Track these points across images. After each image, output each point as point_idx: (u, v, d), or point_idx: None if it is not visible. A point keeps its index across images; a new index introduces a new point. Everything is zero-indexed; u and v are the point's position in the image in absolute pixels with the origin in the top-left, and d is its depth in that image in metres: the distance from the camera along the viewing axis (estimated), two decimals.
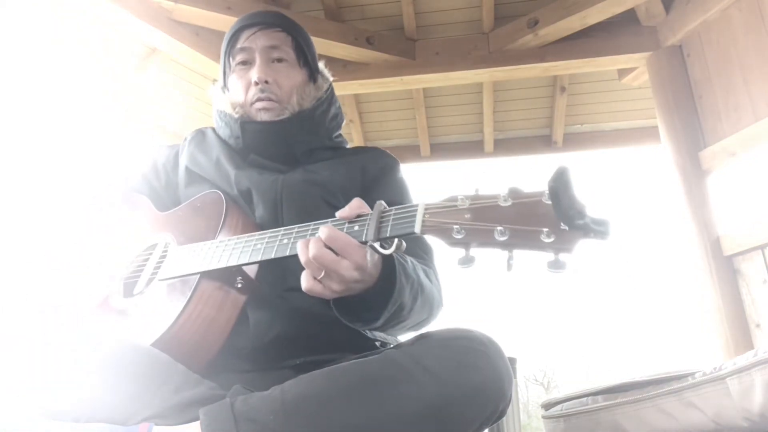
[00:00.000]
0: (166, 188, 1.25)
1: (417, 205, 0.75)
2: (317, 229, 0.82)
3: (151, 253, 1.08)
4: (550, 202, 0.64)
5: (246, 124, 1.18)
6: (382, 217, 0.79)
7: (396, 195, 1.19)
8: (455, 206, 0.72)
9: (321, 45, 2.80)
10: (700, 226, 2.42)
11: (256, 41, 1.20)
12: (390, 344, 1.10)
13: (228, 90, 1.25)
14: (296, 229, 0.88)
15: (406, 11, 2.89)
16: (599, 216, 0.62)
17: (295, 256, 0.81)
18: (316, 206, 1.10)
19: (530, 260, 0.67)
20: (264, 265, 1.01)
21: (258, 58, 1.19)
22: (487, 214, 0.69)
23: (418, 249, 1.13)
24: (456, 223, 0.70)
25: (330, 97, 1.26)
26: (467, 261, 0.69)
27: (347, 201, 0.84)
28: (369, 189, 1.18)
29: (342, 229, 0.81)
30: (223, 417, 0.75)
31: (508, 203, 0.69)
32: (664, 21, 2.71)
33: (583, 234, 0.63)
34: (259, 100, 1.18)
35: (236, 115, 1.19)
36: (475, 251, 0.69)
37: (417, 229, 0.73)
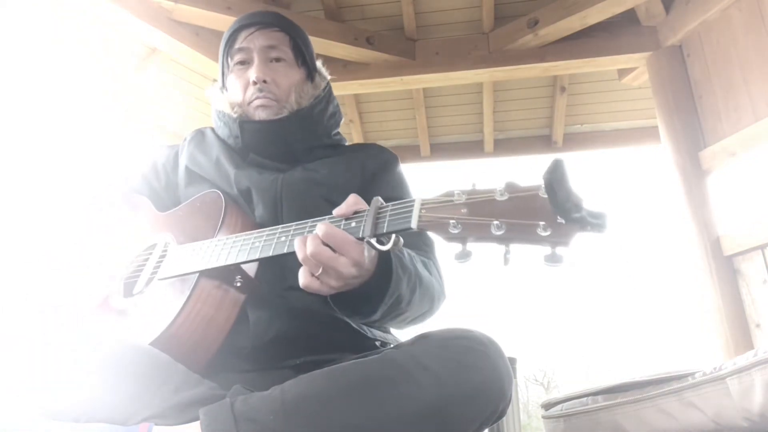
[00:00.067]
0: (166, 188, 1.25)
1: (413, 201, 0.75)
2: (315, 226, 0.83)
3: (150, 253, 1.08)
4: (546, 196, 0.64)
5: (245, 123, 1.18)
6: (378, 213, 0.79)
7: (395, 191, 1.19)
8: (452, 201, 0.72)
9: (321, 45, 2.80)
10: (700, 226, 2.42)
11: (254, 41, 1.20)
12: (390, 344, 1.10)
13: (226, 90, 1.25)
14: (294, 227, 0.88)
15: (406, 11, 2.89)
16: (596, 209, 0.62)
17: (294, 254, 0.81)
18: (316, 205, 1.11)
19: (527, 254, 0.67)
20: (263, 264, 1.01)
21: (256, 57, 1.19)
22: (484, 209, 0.69)
23: (419, 241, 1.13)
24: (452, 218, 0.69)
25: (328, 96, 1.26)
26: (464, 256, 0.69)
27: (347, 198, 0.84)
28: (368, 185, 1.18)
29: (339, 226, 0.81)
30: (223, 417, 0.75)
31: (505, 197, 0.69)
32: (664, 21, 2.71)
33: (579, 227, 0.63)
34: (257, 98, 1.18)
35: (235, 115, 1.19)
36: (472, 246, 0.69)
37: (413, 224, 0.73)
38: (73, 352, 0.81)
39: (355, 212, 0.82)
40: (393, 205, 0.78)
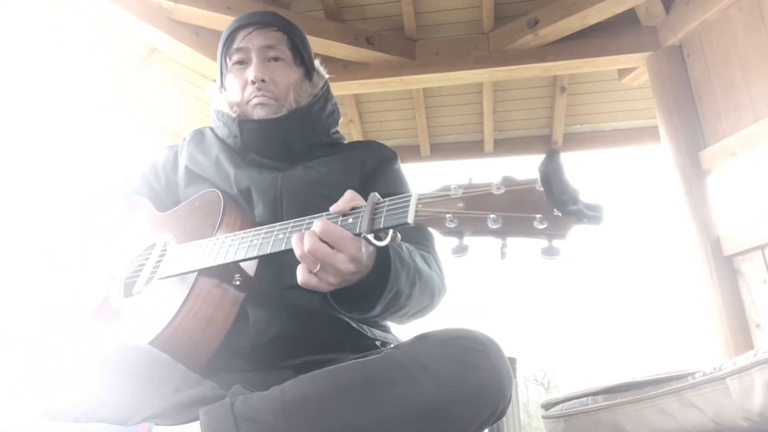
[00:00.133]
0: (165, 189, 1.25)
1: (410, 196, 0.75)
2: (312, 223, 0.83)
3: (150, 253, 1.08)
4: (542, 189, 0.64)
5: (244, 123, 1.18)
6: (375, 209, 0.79)
7: (394, 187, 1.19)
8: (448, 195, 0.72)
9: (321, 45, 2.80)
10: (700, 226, 2.42)
11: (252, 41, 1.21)
12: (390, 343, 1.10)
13: (225, 90, 1.25)
14: (292, 224, 0.88)
15: (406, 11, 2.89)
16: (592, 201, 0.62)
17: (293, 252, 0.81)
18: (315, 203, 1.10)
19: (525, 249, 0.67)
20: (263, 263, 1.01)
21: (254, 57, 1.20)
22: (480, 203, 0.69)
23: (419, 236, 1.13)
24: (449, 212, 0.69)
25: (326, 94, 1.27)
26: (461, 250, 0.69)
27: None
28: (368, 182, 1.18)
29: (336, 223, 0.81)
30: (223, 417, 0.75)
31: (501, 191, 0.69)
32: (664, 21, 2.71)
33: (576, 219, 0.63)
34: (256, 98, 1.18)
35: (234, 115, 1.19)
36: (468, 240, 0.69)
37: (410, 219, 0.73)
38: (73, 352, 0.81)
39: (352, 208, 0.82)
40: (390, 200, 0.78)
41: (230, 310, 0.97)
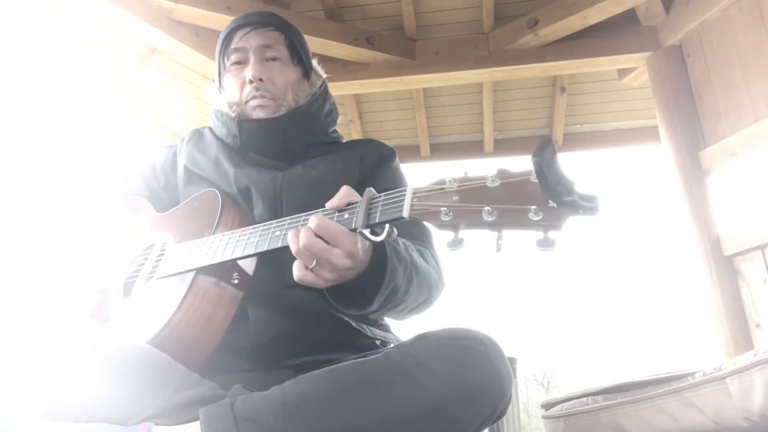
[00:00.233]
0: (165, 189, 1.25)
1: (405, 190, 0.76)
2: (309, 219, 0.83)
3: (149, 253, 1.08)
4: (537, 181, 0.63)
5: (243, 122, 1.19)
6: (371, 204, 0.79)
7: (392, 184, 1.19)
8: (443, 189, 0.72)
9: (321, 45, 2.80)
10: (700, 226, 2.42)
11: (249, 41, 1.21)
12: (390, 343, 1.10)
13: (223, 90, 1.25)
14: (288, 221, 0.89)
15: (406, 11, 2.89)
16: (588, 192, 0.62)
17: (290, 250, 0.81)
18: (315, 201, 1.11)
19: (521, 240, 0.66)
20: (262, 262, 1.01)
21: (252, 57, 1.20)
22: (475, 196, 0.69)
23: (416, 231, 1.13)
24: (444, 206, 0.69)
25: (324, 94, 1.27)
26: (456, 243, 0.69)
27: None
28: (366, 180, 1.18)
29: (332, 218, 0.81)
30: (223, 417, 0.75)
31: (496, 184, 0.68)
32: (664, 21, 2.71)
33: (572, 210, 0.62)
34: (254, 98, 1.18)
35: (233, 114, 1.20)
36: (464, 233, 0.69)
37: (405, 213, 0.73)
38: (73, 352, 0.81)
39: (348, 204, 0.82)
40: (385, 195, 0.78)
41: (229, 308, 0.97)
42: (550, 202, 0.63)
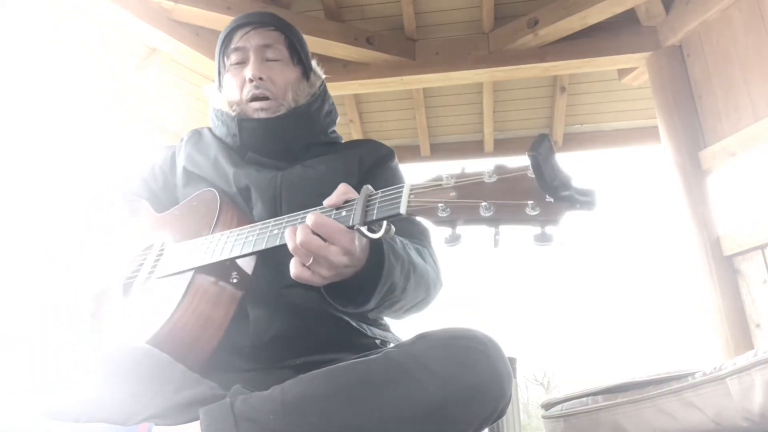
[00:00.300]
0: (163, 189, 1.25)
1: (402, 186, 0.76)
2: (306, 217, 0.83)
3: (148, 253, 1.08)
4: (534, 176, 0.63)
5: (243, 121, 1.19)
6: (368, 201, 0.79)
7: (391, 184, 1.19)
8: (440, 185, 0.72)
9: (321, 45, 2.80)
10: (700, 226, 2.42)
11: (249, 40, 1.21)
12: (390, 342, 1.11)
13: (223, 89, 1.25)
14: (286, 219, 0.89)
15: (406, 11, 2.89)
16: (584, 186, 0.62)
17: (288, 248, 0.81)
18: (315, 201, 1.11)
19: (518, 236, 0.66)
20: (262, 262, 1.01)
21: (252, 56, 1.20)
22: (472, 191, 0.69)
23: (414, 230, 1.13)
24: (441, 202, 0.69)
25: (323, 94, 1.27)
26: (454, 239, 0.69)
27: None
28: (365, 179, 1.18)
29: (330, 216, 0.81)
30: (223, 417, 0.75)
31: (493, 179, 0.69)
32: (664, 21, 2.71)
33: (568, 205, 0.62)
34: (254, 97, 1.18)
35: (233, 113, 1.20)
36: (461, 229, 0.69)
37: (402, 210, 0.73)
38: (73, 352, 0.81)
39: (346, 201, 0.82)
40: (382, 192, 0.78)
41: (228, 308, 0.97)
42: (547, 197, 0.63)
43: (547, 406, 1.68)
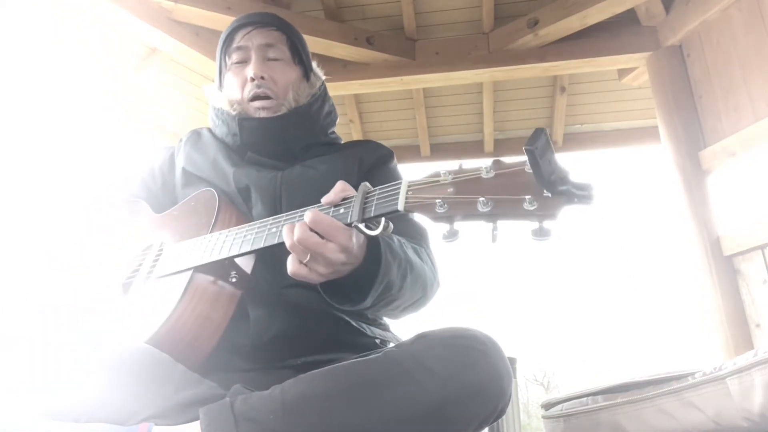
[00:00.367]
0: (163, 189, 1.25)
1: (400, 183, 0.76)
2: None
3: (148, 253, 1.08)
4: (531, 171, 0.63)
5: (243, 120, 1.19)
6: (366, 198, 0.79)
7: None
8: (438, 181, 0.72)
9: (321, 45, 2.80)
10: (700, 226, 2.42)
11: (251, 40, 1.22)
12: (389, 342, 1.11)
13: (224, 88, 1.26)
14: (284, 217, 0.89)
15: (406, 11, 2.89)
16: (582, 180, 0.62)
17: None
18: (315, 201, 1.11)
19: (517, 231, 0.66)
20: (261, 262, 1.01)
21: (254, 55, 1.21)
22: (470, 187, 0.69)
23: (412, 231, 1.13)
24: (439, 198, 0.70)
25: (323, 95, 1.28)
26: (451, 235, 0.69)
27: None
28: (365, 180, 1.18)
29: (328, 213, 0.81)
30: (223, 417, 0.75)
31: (491, 175, 0.69)
32: (664, 21, 2.71)
33: (566, 200, 0.62)
34: (256, 96, 1.19)
35: (233, 112, 1.20)
36: (459, 224, 0.69)
37: (400, 206, 0.73)
38: (73, 352, 0.81)
39: (344, 199, 0.82)
40: (380, 188, 0.78)
41: (227, 307, 0.97)
42: (545, 191, 0.63)
43: (547, 406, 1.67)
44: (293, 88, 1.22)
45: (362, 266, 0.85)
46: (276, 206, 1.11)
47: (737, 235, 2.30)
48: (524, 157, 0.65)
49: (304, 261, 0.80)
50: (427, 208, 0.70)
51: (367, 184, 0.81)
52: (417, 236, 1.13)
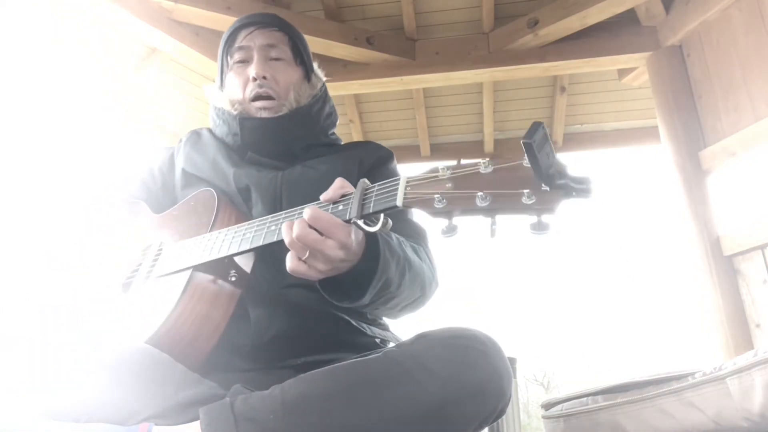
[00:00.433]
0: (162, 190, 1.25)
1: (399, 179, 0.76)
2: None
3: (147, 253, 1.08)
4: (529, 165, 0.63)
5: (245, 120, 1.19)
6: (365, 195, 0.79)
7: None
8: (436, 177, 0.72)
9: (321, 45, 2.80)
10: (700, 226, 2.42)
11: (253, 40, 1.22)
12: (389, 342, 1.11)
13: (225, 88, 1.26)
14: (284, 215, 0.89)
15: (406, 11, 2.89)
16: (580, 174, 0.62)
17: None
18: (315, 201, 1.11)
19: (516, 227, 0.66)
20: (261, 261, 1.01)
21: (256, 55, 1.21)
22: (468, 182, 0.69)
23: (410, 230, 1.13)
24: (437, 193, 0.70)
25: (324, 95, 1.28)
26: (450, 230, 0.69)
27: None
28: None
29: (327, 210, 0.81)
30: (223, 417, 0.75)
31: (489, 169, 0.69)
32: (664, 21, 2.71)
33: (564, 193, 0.62)
34: (258, 96, 1.19)
35: (235, 112, 1.20)
36: (457, 220, 0.69)
37: (399, 202, 0.73)
38: (73, 352, 0.81)
39: (343, 195, 0.82)
40: (379, 185, 0.78)
41: (227, 306, 0.97)
42: (543, 185, 0.63)
43: (547, 406, 1.67)
44: (294, 89, 1.22)
45: (361, 263, 0.85)
46: (276, 206, 1.11)
47: (737, 235, 2.30)
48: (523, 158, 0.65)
49: (303, 258, 0.80)
50: (426, 204, 0.70)
51: (366, 180, 0.81)
52: (416, 236, 1.13)
